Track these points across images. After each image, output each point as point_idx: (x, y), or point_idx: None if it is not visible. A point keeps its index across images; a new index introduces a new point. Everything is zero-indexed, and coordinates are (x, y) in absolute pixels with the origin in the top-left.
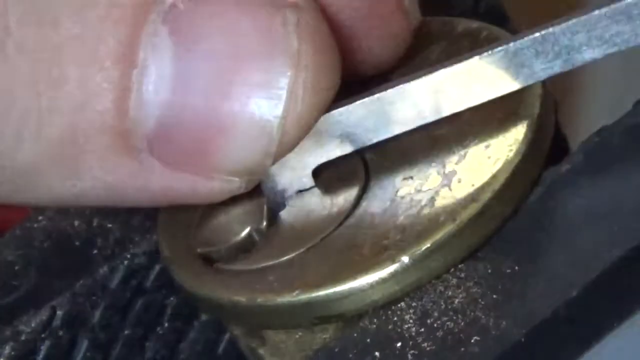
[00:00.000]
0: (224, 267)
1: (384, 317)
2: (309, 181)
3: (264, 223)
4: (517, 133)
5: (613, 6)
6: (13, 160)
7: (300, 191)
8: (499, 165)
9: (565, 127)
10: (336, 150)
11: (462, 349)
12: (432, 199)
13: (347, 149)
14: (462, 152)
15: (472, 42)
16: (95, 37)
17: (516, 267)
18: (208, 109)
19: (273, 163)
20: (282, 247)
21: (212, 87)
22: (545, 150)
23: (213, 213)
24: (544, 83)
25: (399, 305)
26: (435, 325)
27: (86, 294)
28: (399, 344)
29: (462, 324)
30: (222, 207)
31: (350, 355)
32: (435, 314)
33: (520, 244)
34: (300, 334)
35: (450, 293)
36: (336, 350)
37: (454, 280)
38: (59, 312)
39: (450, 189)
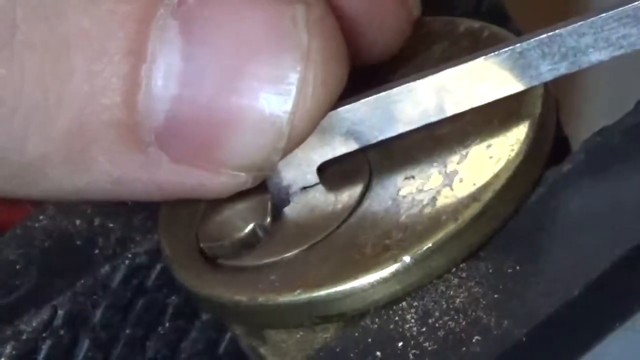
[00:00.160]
0: (227, 262)
1: (385, 317)
2: (313, 178)
3: (268, 219)
4: (519, 133)
5: (620, 9)
6: (20, 154)
7: (305, 188)
8: (500, 165)
9: (567, 127)
10: (341, 147)
11: (464, 348)
12: (434, 199)
13: (352, 146)
14: (464, 152)
15: (474, 42)
16: (104, 32)
17: (517, 267)
18: (217, 103)
19: (281, 158)
20: (286, 244)
21: (221, 82)
22: (547, 150)
23: (217, 208)
24: (545, 83)
25: (401, 304)
26: (436, 324)
27: (87, 293)
28: (400, 344)
29: (464, 323)
30: (227, 203)
31: (352, 355)
32: (437, 313)
33: (521, 243)
34: (301, 333)
35: (451, 293)
36: (337, 349)
37: (456, 280)
38: (60, 312)
39: (451, 189)
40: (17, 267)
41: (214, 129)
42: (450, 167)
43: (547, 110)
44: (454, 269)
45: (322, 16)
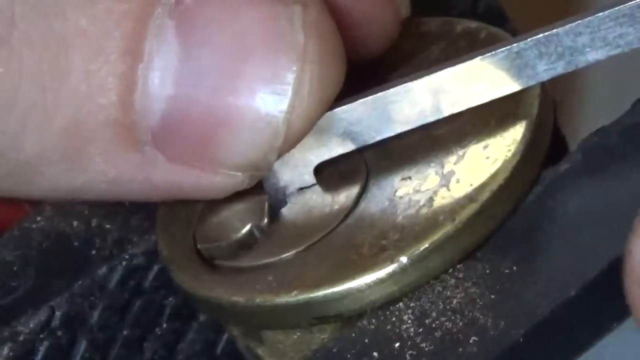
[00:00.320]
0: (224, 263)
1: (382, 318)
2: (310, 178)
3: (265, 220)
4: (516, 133)
5: (617, 8)
6: (17, 152)
7: (302, 188)
8: (497, 165)
9: (565, 127)
10: (338, 148)
11: (461, 349)
12: (431, 199)
13: (349, 147)
14: (461, 152)
15: (471, 42)
16: (101, 31)
17: (514, 267)
18: (213, 103)
19: (278, 158)
20: (283, 244)
21: (218, 82)
22: (544, 151)
23: (214, 209)
24: (542, 83)
25: (398, 305)
26: (433, 325)
27: (85, 294)
28: (397, 344)
29: (461, 324)
30: (224, 204)
31: (349, 356)
32: (434, 314)
33: (518, 243)
34: (298, 334)
35: (448, 293)
36: (334, 350)
37: (453, 281)
38: (58, 313)
39: (448, 189)
40: (15, 268)
41: (210, 128)
42: (447, 168)
43: (544, 110)
44: (450, 270)
45: (319, 17)
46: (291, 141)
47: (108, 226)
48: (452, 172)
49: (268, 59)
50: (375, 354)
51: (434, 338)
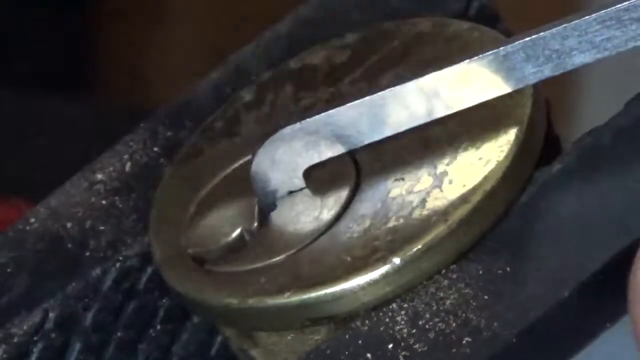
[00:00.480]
0: (215, 268)
1: (375, 319)
2: (300, 182)
3: (255, 224)
4: (508, 134)
5: (604, 11)
6: None
7: (292, 192)
8: (490, 166)
9: (559, 127)
10: (327, 151)
11: (454, 350)
12: (424, 200)
13: (338, 150)
14: (453, 153)
15: (464, 43)
16: None
17: (508, 268)
18: None
19: None
20: (273, 248)
21: None
22: (537, 151)
23: (204, 213)
24: (535, 84)
25: (391, 306)
26: (426, 326)
27: (78, 296)
28: (390, 346)
29: (454, 325)
30: (213, 208)
31: (342, 357)
32: (427, 315)
33: (511, 244)
34: (291, 335)
35: (441, 294)
36: (328, 352)
37: (446, 282)
38: (51, 315)
39: (441, 190)
40: (8, 270)
41: None
42: (440, 169)
43: (536, 111)
44: (444, 271)
45: None
46: None
47: (102, 228)
48: (445, 173)
49: None
50: (368, 355)
51: (427, 339)
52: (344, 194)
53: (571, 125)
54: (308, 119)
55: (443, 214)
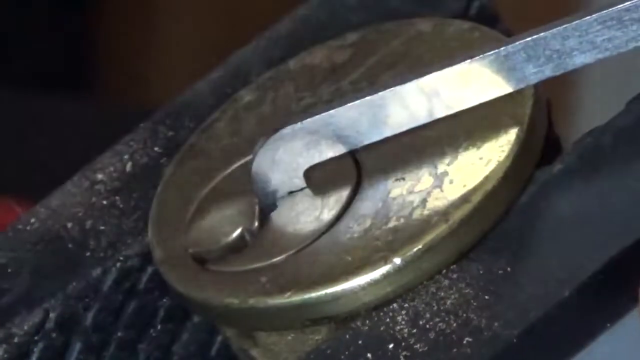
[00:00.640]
0: (215, 268)
1: (376, 319)
2: (300, 182)
3: (256, 224)
4: (509, 134)
5: (605, 12)
6: None
7: (292, 192)
8: (491, 166)
9: (559, 127)
10: (328, 151)
11: (454, 350)
12: (424, 200)
13: (339, 150)
14: (454, 153)
15: (464, 43)
16: None
17: (508, 268)
18: None
19: None
20: (274, 248)
21: None
22: (538, 151)
23: (204, 213)
24: (536, 84)
25: (391, 306)
26: (427, 326)
27: (79, 296)
28: (391, 346)
29: (454, 325)
30: (214, 208)
31: (342, 357)
32: (428, 315)
33: (512, 244)
34: (292, 335)
35: (442, 294)
36: (328, 351)
37: (446, 282)
38: (52, 315)
39: (442, 190)
40: (9, 270)
41: None
42: (441, 169)
43: (537, 111)
44: (444, 271)
45: None
46: None
47: (102, 228)
48: (445, 173)
49: None
50: (369, 355)
51: (427, 339)
52: (344, 194)
53: (572, 125)
54: (308, 119)
55: (444, 213)
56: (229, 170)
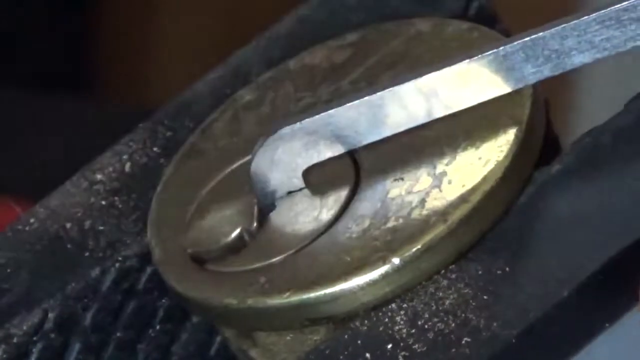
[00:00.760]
0: (214, 268)
1: (374, 319)
2: (299, 182)
3: (255, 224)
4: (508, 134)
5: (603, 11)
6: None
7: (291, 192)
8: (489, 166)
9: (558, 127)
10: (327, 151)
11: (453, 350)
12: (423, 200)
13: (337, 150)
14: (453, 153)
15: (463, 43)
16: None
17: (507, 268)
18: None
19: None
20: (273, 248)
21: None
22: (536, 151)
23: (203, 214)
24: (534, 84)
25: (390, 306)
26: (426, 326)
27: (78, 296)
28: (389, 346)
29: (453, 325)
30: (213, 208)
31: (341, 357)
32: (426, 315)
33: (511, 244)
34: (291, 335)
35: (441, 294)
36: (327, 352)
37: (445, 282)
38: (51, 315)
39: (440, 190)
40: (8, 270)
41: None
42: (439, 169)
43: (536, 111)
44: (443, 271)
45: None
46: None
47: (101, 228)
48: (444, 173)
49: None
50: (367, 355)
51: (426, 339)
52: (343, 194)
53: (570, 125)
54: (307, 119)
55: (442, 214)
56: (228, 171)
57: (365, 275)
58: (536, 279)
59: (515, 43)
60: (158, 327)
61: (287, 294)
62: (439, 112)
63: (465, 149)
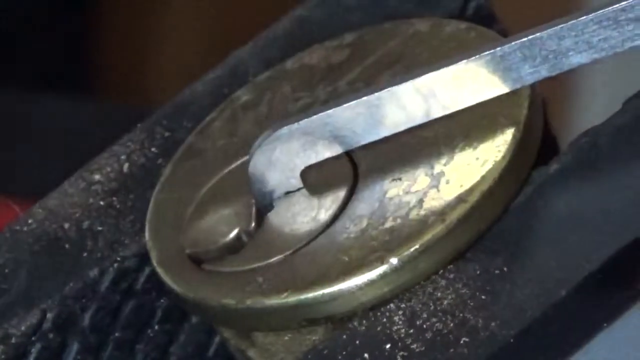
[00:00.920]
0: (212, 268)
1: (373, 319)
2: (297, 182)
3: (253, 224)
4: (505, 134)
5: (600, 12)
6: None
7: (289, 192)
8: (487, 166)
9: (556, 127)
10: (325, 152)
11: (451, 350)
12: (421, 200)
13: (335, 150)
14: (450, 154)
15: (461, 43)
16: None
17: (505, 268)
18: None
19: None
20: (271, 249)
21: None
22: (534, 151)
23: (202, 214)
24: (532, 84)
25: (388, 306)
26: (424, 326)
27: (76, 296)
28: (388, 346)
29: (451, 325)
30: (211, 208)
31: (340, 357)
32: (424, 315)
33: (509, 244)
34: (289, 335)
35: (439, 294)
36: (325, 352)
37: (443, 282)
38: (49, 315)
39: (438, 190)
40: (6, 270)
41: None
42: (437, 169)
43: (534, 111)
44: (441, 271)
45: None
46: None
47: (99, 228)
48: (442, 173)
49: None
50: (366, 355)
51: (424, 339)
52: (341, 194)
53: (568, 125)
54: (305, 119)
55: (440, 214)
56: (226, 171)
57: (364, 276)
58: (534, 278)
59: (513, 43)
60: (156, 327)
61: (285, 294)
62: (437, 113)
63: (463, 149)
